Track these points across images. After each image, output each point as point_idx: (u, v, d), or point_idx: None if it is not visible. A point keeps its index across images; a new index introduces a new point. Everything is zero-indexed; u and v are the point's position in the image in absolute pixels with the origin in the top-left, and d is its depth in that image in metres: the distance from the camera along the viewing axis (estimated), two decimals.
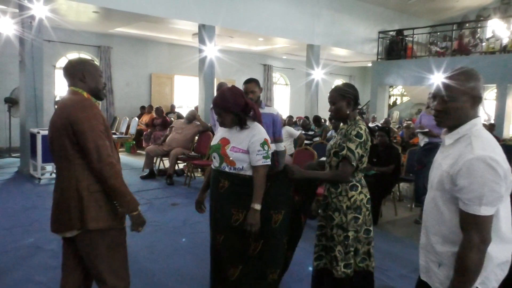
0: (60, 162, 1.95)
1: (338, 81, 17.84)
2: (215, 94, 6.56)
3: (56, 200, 1.96)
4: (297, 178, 2.37)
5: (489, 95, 15.36)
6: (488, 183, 1.36)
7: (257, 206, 2.27)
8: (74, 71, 1.98)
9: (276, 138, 3.89)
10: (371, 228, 2.47)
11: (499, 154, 1.40)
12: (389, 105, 15.55)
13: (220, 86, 5.43)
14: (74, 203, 1.86)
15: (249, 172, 2.35)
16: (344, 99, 2.39)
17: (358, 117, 2.44)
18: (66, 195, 1.89)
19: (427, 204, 1.62)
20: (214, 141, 2.50)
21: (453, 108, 1.50)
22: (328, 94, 2.47)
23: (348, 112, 2.41)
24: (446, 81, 1.53)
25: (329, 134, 8.40)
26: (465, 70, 1.53)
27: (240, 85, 3.33)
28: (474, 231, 1.38)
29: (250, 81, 3.71)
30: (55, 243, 3.90)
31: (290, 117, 10.38)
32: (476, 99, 1.50)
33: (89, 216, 1.86)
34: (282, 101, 15.90)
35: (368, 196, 2.46)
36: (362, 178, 2.47)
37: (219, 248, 2.45)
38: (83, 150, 1.86)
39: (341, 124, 2.54)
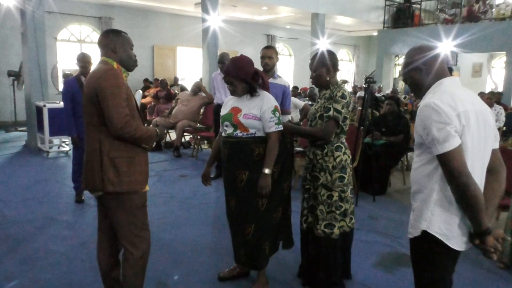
0: (87, 127, 2.08)
1: (343, 51, 17.56)
2: (215, 64, 6.45)
3: (85, 162, 2.11)
4: (284, 130, 2.51)
5: (497, 63, 15.13)
6: (434, 124, 1.48)
7: (267, 171, 2.38)
8: (107, 42, 2.08)
9: (284, 110, 3.88)
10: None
11: (445, 100, 1.50)
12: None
13: (223, 56, 5.35)
14: (97, 166, 2.01)
15: (259, 134, 2.43)
16: (323, 66, 2.51)
17: (339, 82, 2.59)
18: (91, 158, 2.04)
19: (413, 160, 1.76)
20: (225, 110, 2.53)
21: (407, 79, 1.72)
22: (309, 62, 2.60)
23: (328, 78, 2.53)
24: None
25: None
26: (413, 47, 1.72)
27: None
28: (446, 168, 1.49)
29: (269, 47, 3.73)
30: (69, 214, 3.97)
31: (295, 87, 10.28)
32: (419, 68, 1.66)
33: (106, 180, 2.00)
34: (286, 72, 15.70)
35: (350, 157, 2.61)
36: (345, 139, 2.60)
37: (233, 210, 2.52)
38: (104, 116, 1.95)
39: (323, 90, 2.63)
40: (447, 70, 1.68)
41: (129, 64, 2.15)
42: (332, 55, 2.55)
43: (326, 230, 2.52)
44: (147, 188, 2.18)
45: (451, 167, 1.47)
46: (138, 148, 2.09)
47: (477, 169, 1.56)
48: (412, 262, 1.72)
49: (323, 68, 2.51)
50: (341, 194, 2.52)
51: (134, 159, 2.06)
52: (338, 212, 2.52)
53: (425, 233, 1.58)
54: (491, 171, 1.65)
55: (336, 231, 2.53)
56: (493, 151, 1.65)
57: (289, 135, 2.67)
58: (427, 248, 1.61)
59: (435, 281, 1.63)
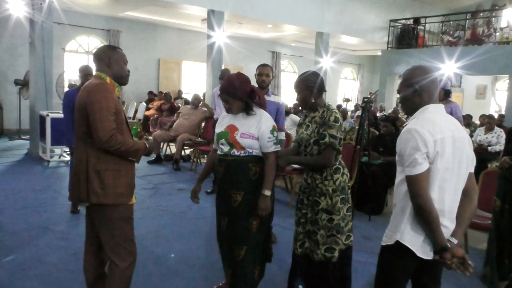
0: (77, 139, 2.14)
1: (347, 70, 17.68)
2: (218, 79, 6.52)
3: (72, 173, 2.18)
4: (282, 164, 2.49)
5: (501, 86, 15.13)
6: (408, 149, 1.67)
7: (267, 192, 2.37)
8: (102, 56, 2.16)
9: (278, 127, 3.90)
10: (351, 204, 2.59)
11: (426, 127, 1.67)
12: None
13: (224, 72, 5.43)
14: (83, 177, 2.06)
15: (256, 153, 2.42)
16: (308, 89, 2.46)
17: (327, 103, 2.54)
18: (77, 169, 2.09)
19: None
20: (220, 128, 2.50)
21: (400, 91, 1.85)
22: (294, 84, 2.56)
23: (312, 100, 2.48)
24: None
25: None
26: (416, 66, 1.84)
27: (247, 72, 3.33)
28: (408, 188, 1.69)
29: (266, 65, 3.84)
30: (63, 225, 3.99)
31: (297, 104, 10.33)
32: (415, 89, 1.77)
33: (92, 191, 2.04)
34: (290, 89, 15.79)
35: (348, 175, 2.57)
36: (341, 159, 2.56)
37: (224, 230, 2.49)
38: (91, 129, 2.00)
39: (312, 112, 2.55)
40: (437, 96, 1.81)
41: (122, 79, 2.21)
42: (316, 76, 2.50)
43: (326, 254, 2.46)
44: (134, 200, 2.20)
45: (411, 188, 1.68)
46: (125, 161, 2.12)
47: (448, 189, 1.72)
48: (378, 265, 1.89)
49: (307, 91, 2.46)
50: (342, 216, 2.48)
51: (121, 172, 2.09)
52: (339, 235, 2.47)
53: (397, 243, 1.75)
54: (465, 193, 1.80)
55: (336, 254, 2.48)
56: (469, 174, 1.80)
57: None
58: (397, 255, 1.77)
59: (393, 282, 1.82)
